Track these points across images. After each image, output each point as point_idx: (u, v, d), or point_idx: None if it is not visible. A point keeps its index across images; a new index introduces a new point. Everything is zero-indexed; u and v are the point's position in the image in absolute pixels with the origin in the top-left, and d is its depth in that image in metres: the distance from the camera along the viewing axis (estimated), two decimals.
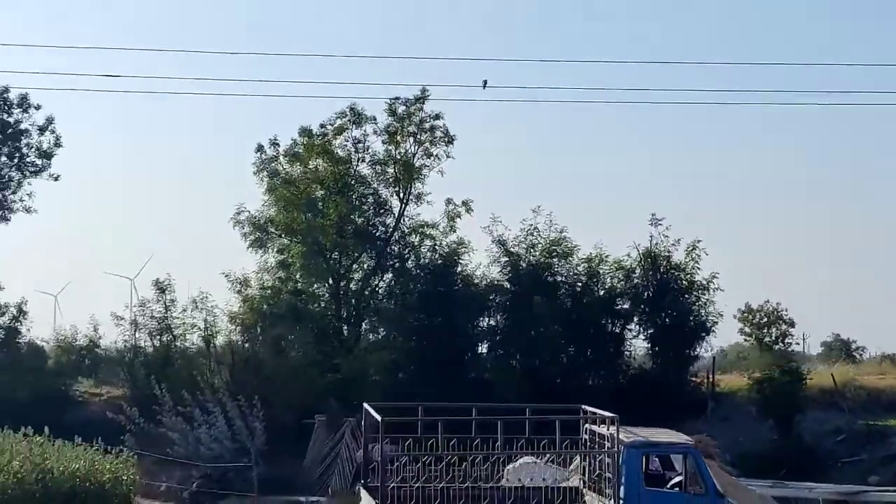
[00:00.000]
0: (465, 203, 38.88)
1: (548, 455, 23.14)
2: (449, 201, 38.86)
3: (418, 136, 38.31)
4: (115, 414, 32.87)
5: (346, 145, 38.45)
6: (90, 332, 42.70)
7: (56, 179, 44.08)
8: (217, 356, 37.38)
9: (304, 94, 47.00)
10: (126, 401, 35.78)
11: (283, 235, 38.51)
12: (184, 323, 39.51)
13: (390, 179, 38.60)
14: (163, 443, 32.46)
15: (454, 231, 38.74)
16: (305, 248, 37.44)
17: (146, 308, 39.33)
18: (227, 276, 39.09)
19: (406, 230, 39.07)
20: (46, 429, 21.83)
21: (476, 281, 37.55)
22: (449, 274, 37.38)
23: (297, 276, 38.42)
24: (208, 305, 39.33)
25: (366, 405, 19.89)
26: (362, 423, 30.53)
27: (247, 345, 39.13)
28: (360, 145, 38.29)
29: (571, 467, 23.51)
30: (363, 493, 19.49)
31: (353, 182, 38.41)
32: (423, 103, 38.36)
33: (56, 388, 39.51)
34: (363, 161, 38.51)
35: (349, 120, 37.99)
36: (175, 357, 38.19)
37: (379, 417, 18.45)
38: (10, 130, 43.44)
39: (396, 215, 38.98)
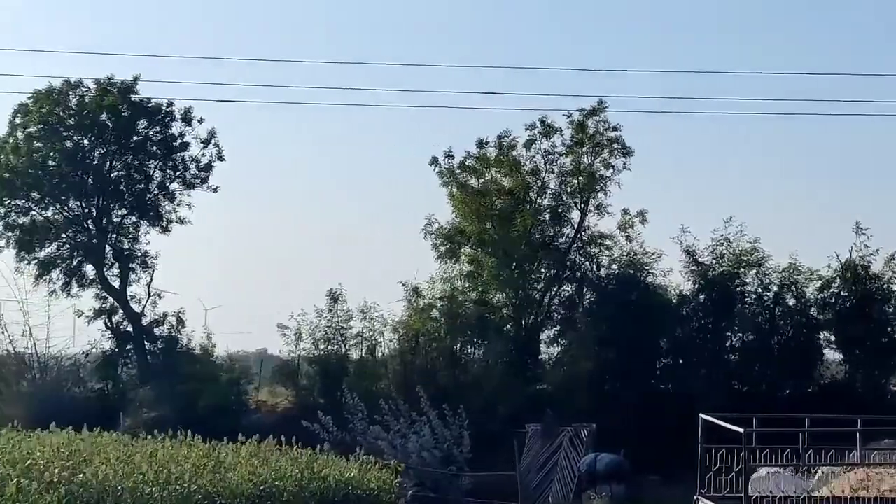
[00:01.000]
0: (640, 213, 38.89)
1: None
2: (625, 212, 38.90)
3: (599, 148, 38.40)
4: (308, 423, 32.72)
5: (534, 157, 38.82)
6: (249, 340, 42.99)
7: (215, 191, 44.45)
8: (406, 364, 37.38)
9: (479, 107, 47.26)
10: (298, 409, 35.70)
11: (472, 246, 38.52)
12: (358, 332, 39.81)
13: (573, 190, 38.63)
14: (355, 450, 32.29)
15: (631, 241, 38.74)
16: (496, 258, 37.40)
17: (321, 317, 39.45)
18: (403, 284, 39.24)
19: (585, 240, 38.97)
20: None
21: (663, 291, 37.20)
22: (634, 284, 37.03)
23: (484, 286, 38.30)
24: (375, 314, 39.66)
25: (703, 416, 19.45)
26: (582, 432, 30.45)
27: (414, 354, 39.22)
28: (550, 157, 38.47)
29: (815, 478, 23.03)
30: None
31: (538, 193, 38.55)
32: (601, 114, 38.53)
33: (231, 397, 39.63)
34: (552, 172, 38.68)
35: (539, 132, 38.16)
36: (358, 365, 38.35)
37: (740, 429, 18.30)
38: (174, 143, 43.85)
39: (576, 226, 38.91)
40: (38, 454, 15.74)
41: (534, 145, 38.48)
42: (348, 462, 21.51)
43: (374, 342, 40.30)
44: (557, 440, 30.60)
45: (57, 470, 14.46)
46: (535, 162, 38.81)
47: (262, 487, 17.38)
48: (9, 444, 17.94)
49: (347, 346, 40.15)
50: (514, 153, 38.46)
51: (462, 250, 38.60)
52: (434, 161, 39.23)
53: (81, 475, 14.62)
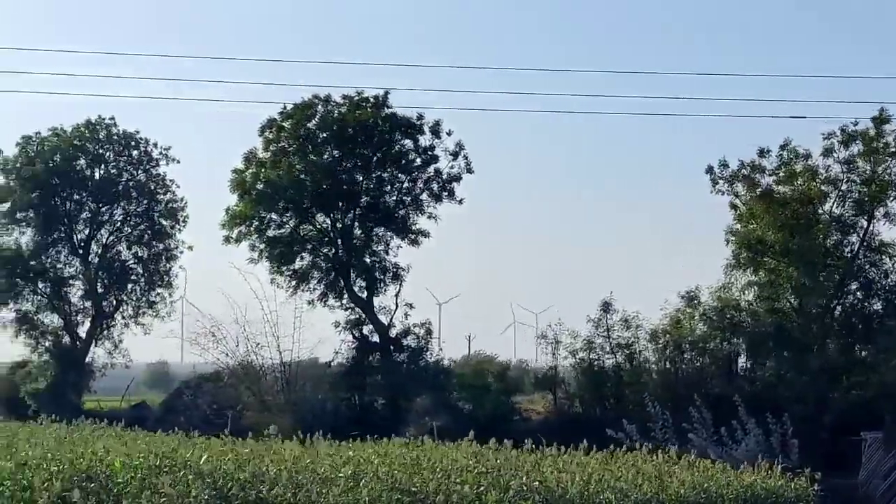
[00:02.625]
0: None
1: None
2: None
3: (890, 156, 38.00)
4: (612, 431, 32.38)
5: (830, 165, 38.52)
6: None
7: (460, 203, 44.56)
8: (674, 371, 37.14)
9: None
10: (557, 415, 35.44)
11: (773, 256, 38.08)
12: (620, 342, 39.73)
13: (861, 198, 38.10)
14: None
15: None
16: (797, 267, 36.93)
17: (596, 325, 39.38)
18: (687, 294, 39.03)
19: (872, 248, 38.37)
20: None
21: None
22: None
23: (778, 295, 37.81)
24: (637, 323, 39.59)
25: None
26: None
27: (677, 362, 38.90)
28: (848, 165, 37.91)
29: None
30: None
31: (835, 202, 38.22)
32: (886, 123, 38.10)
33: (505, 405, 39.80)
34: (848, 181, 38.17)
35: (837, 140, 37.82)
36: (619, 372, 38.39)
37: None
38: (424, 156, 44.12)
39: (861, 234, 38.35)
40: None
41: (832, 154, 38.05)
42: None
43: (634, 350, 40.29)
44: None
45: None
46: (832, 171, 38.45)
47: (703, 496, 16.67)
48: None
49: (611, 354, 40.11)
50: (810, 162, 38.11)
51: (761, 259, 38.08)
52: (710, 170, 38.90)
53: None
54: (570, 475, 15.61)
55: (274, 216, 43.71)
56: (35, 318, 52.91)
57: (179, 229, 54.10)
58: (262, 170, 43.08)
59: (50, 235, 52.85)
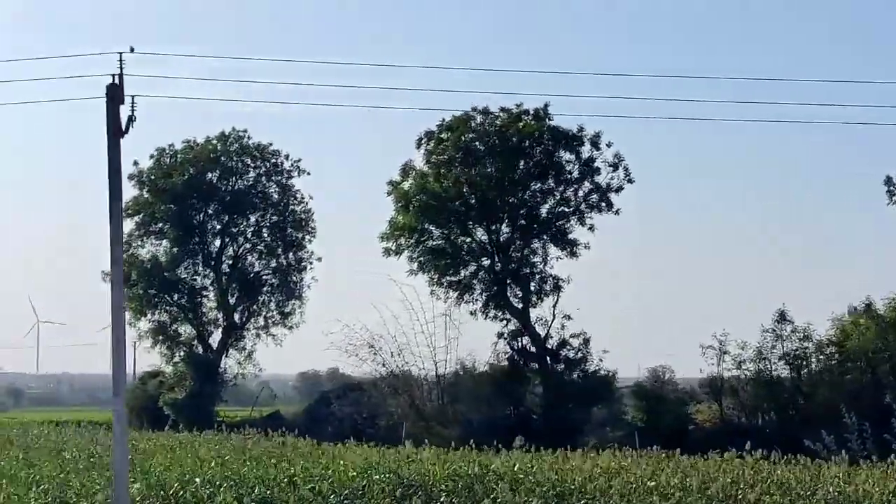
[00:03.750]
0: None
1: None
2: None
3: None
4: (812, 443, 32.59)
5: None
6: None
7: (617, 213, 44.93)
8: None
9: None
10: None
11: None
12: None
13: None
14: None
15: None
16: None
17: (778, 336, 39.85)
18: (855, 308, 39.39)
19: None
20: None
21: None
22: None
23: None
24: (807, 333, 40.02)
25: None
26: None
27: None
28: None
29: None
30: None
31: None
32: None
33: (679, 415, 40.18)
34: None
35: None
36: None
37: None
38: (585, 168, 44.56)
39: None
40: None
41: None
42: None
43: (802, 361, 40.66)
44: None
45: None
46: None
47: None
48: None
49: (786, 365, 40.50)
50: None
51: None
52: (888, 181, 39.15)
53: None
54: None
55: (435, 228, 44.16)
56: (171, 328, 53.51)
57: (310, 240, 54.65)
58: (426, 181, 43.55)
59: (185, 247, 53.46)
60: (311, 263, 54.32)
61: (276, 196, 54.35)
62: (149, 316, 52.87)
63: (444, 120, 44.52)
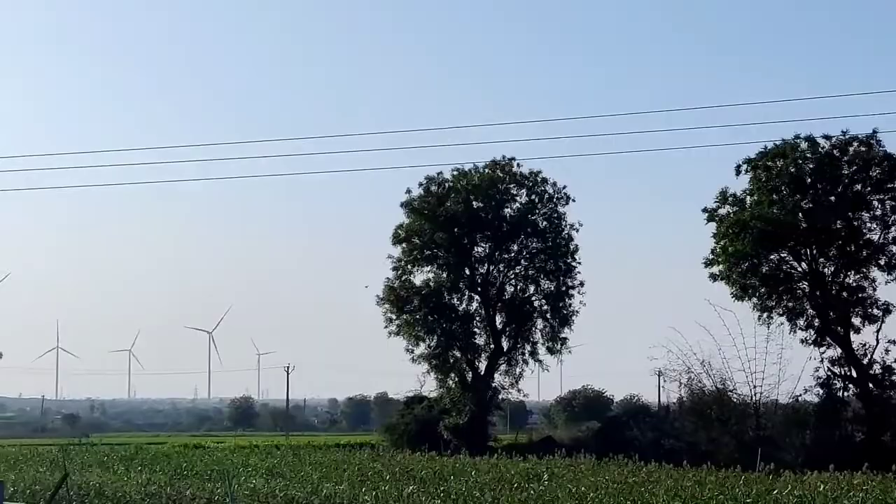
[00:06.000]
0: None
1: None
2: None
3: None
4: None
5: None
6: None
7: None
8: None
9: None
10: None
11: None
12: None
13: None
14: None
15: None
16: None
17: None
18: None
19: None
20: None
21: None
22: None
23: None
24: None
25: None
26: None
27: None
28: None
29: None
30: None
31: None
32: None
33: None
34: None
35: None
36: None
37: None
38: None
39: None
40: None
41: None
42: None
43: None
44: None
45: None
46: None
47: None
48: None
49: None
50: None
51: None
52: None
53: None
54: None
55: (770, 254, 44.70)
56: (445, 353, 53.88)
57: (575, 267, 55.08)
58: (761, 208, 44.16)
59: (459, 273, 53.99)
60: (577, 289, 54.74)
61: (544, 223, 54.91)
62: (427, 341, 53.39)
63: (766, 147, 45.22)
